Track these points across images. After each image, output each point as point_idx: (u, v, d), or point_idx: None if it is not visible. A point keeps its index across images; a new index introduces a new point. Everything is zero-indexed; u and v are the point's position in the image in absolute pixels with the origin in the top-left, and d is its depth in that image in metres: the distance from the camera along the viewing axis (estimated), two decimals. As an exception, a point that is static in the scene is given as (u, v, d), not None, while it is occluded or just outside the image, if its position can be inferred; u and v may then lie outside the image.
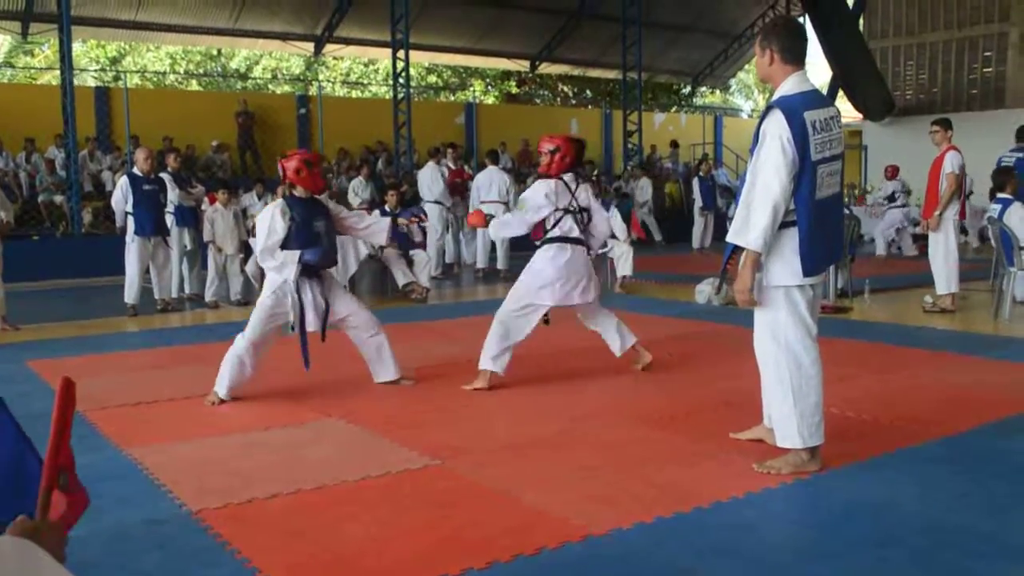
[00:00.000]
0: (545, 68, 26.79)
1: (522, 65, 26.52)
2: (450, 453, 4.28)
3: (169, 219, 10.41)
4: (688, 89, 32.42)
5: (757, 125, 3.81)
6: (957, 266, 8.81)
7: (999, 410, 4.93)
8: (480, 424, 4.92)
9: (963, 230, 12.18)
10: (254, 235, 9.78)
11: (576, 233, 5.73)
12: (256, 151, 19.43)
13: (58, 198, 15.74)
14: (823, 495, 3.64)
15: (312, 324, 5.54)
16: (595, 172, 19.91)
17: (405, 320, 8.89)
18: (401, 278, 10.62)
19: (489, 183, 13.18)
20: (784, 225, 3.71)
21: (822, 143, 3.70)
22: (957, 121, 9.51)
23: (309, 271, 5.50)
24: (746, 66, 30.96)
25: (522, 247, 14.41)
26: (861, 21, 22.16)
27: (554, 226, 5.68)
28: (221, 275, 10.51)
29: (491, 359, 5.65)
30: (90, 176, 16.80)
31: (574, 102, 33.37)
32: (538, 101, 33.17)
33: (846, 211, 9.96)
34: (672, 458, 4.15)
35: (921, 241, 13.99)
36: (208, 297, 10.38)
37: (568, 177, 5.76)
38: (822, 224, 3.75)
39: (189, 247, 11.00)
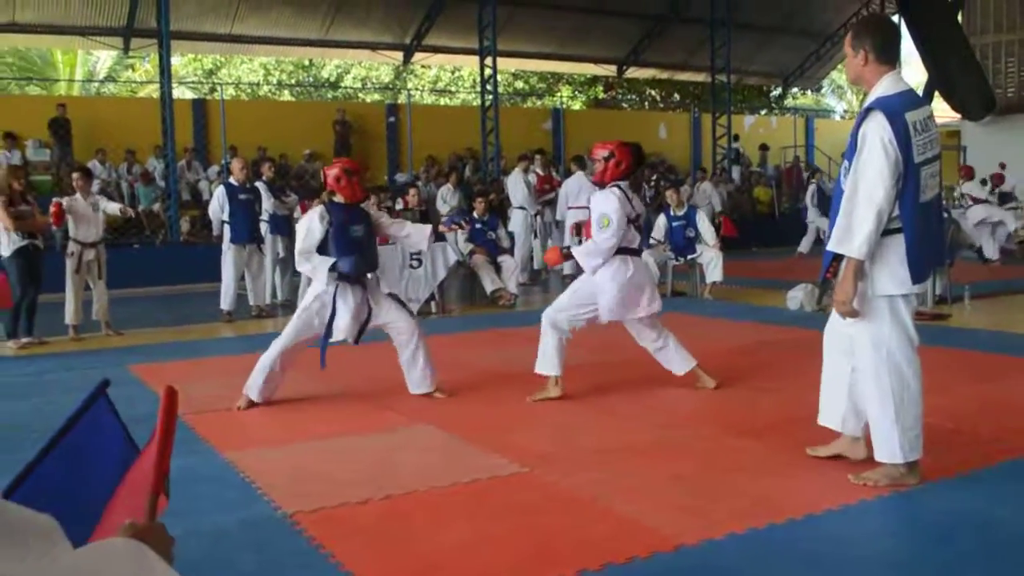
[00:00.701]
0: (632, 72, 26.63)
1: (609, 70, 26.40)
2: (538, 460, 4.29)
3: (263, 227, 10.65)
4: (779, 91, 31.90)
5: (854, 128, 3.68)
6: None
7: (1110, 421, 4.74)
8: (566, 431, 4.91)
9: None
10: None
11: (637, 243, 5.57)
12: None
13: (156, 206, 16.28)
14: (922, 509, 3.53)
15: (342, 332, 5.56)
16: (654, 176, 19.75)
17: (493, 326, 8.94)
18: (489, 284, 10.68)
19: (578, 189, 13.13)
20: (888, 232, 3.59)
21: (923, 144, 3.58)
22: (1063, 120, 9.16)
23: (350, 277, 5.54)
24: (839, 66, 30.28)
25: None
26: (959, 17, 21.51)
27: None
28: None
29: (556, 365, 5.55)
30: (188, 185, 17.30)
31: (662, 106, 33.12)
32: (625, 106, 33.02)
33: (944, 214, 9.69)
34: (764, 468, 4.08)
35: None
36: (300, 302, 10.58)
37: (624, 184, 5.58)
38: (927, 228, 3.67)
39: (282, 254, 11.21)
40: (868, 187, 3.52)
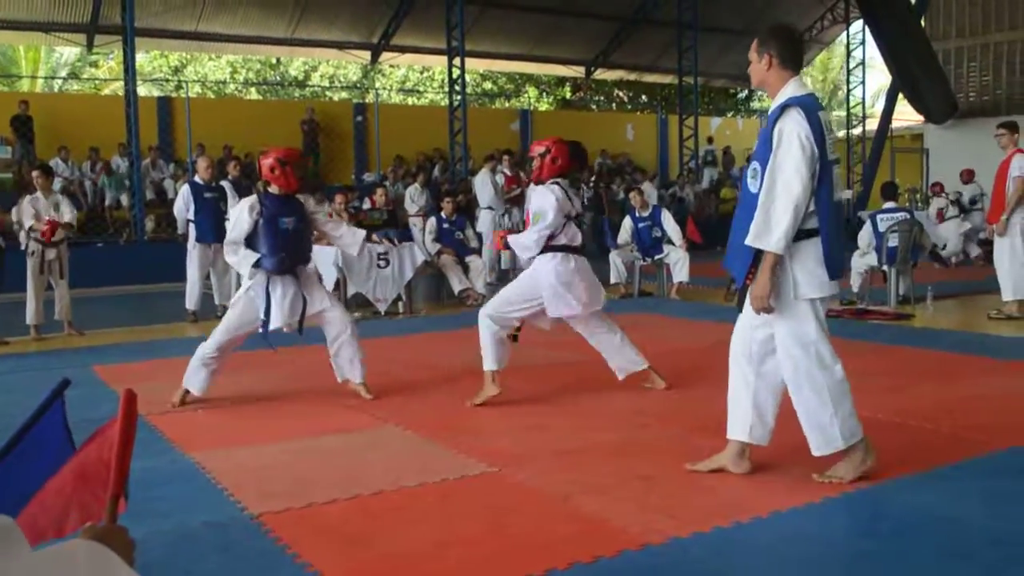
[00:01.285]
0: (600, 74, 26.75)
1: (577, 71, 26.50)
2: (507, 460, 4.29)
3: (228, 226, 10.56)
4: (745, 93, 32.12)
5: (767, 127, 3.69)
6: (1024, 272, 8.62)
7: (1068, 420, 4.81)
8: (535, 431, 4.91)
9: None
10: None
11: (579, 241, 5.53)
12: (318, 159, 19.70)
13: (124, 198, 16.09)
14: (886, 506, 3.56)
15: (278, 320, 5.56)
16: (592, 179, 19.78)
17: (460, 326, 8.92)
18: (456, 284, 10.68)
19: (544, 189, 13.20)
20: (805, 235, 3.63)
21: (831, 145, 3.65)
22: (1023, 123, 9.30)
23: (287, 269, 5.57)
24: (805, 69, 30.60)
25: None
26: (922, 22, 21.79)
27: (560, 233, 5.44)
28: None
29: (493, 359, 5.45)
30: (152, 184, 17.14)
31: (630, 107, 33.27)
32: (593, 107, 33.13)
33: (907, 215, 9.80)
34: (730, 467, 4.10)
35: (986, 246, 13.78)
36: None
37: (564, 182, 5.55)
38: (838, 227, 3.72)
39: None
40: (786, 182, 3.53)
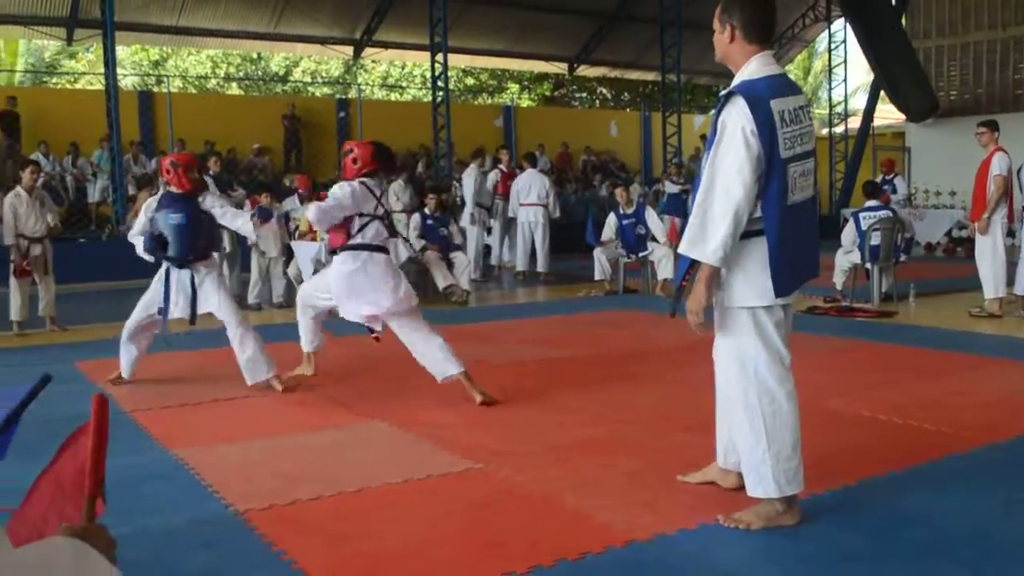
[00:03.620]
0: (583, 70, 26.72)
1: (560, 67, 26.48)
2: (492, 457, 4.29)
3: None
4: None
5: (715, 115, 3.25)
6: (1005, 270, 8.69)
7: (1049, 416, 4.85)
8: (521, 428, 4.91)
9: (1010, 233, 12.01)
10: (295, 237, 9.89)
11: (381, 240, 5.54)
12: (300, 154, 19.62)
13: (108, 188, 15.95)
14: (868, 502, 3.58)
15: (176, 311, 5.99)
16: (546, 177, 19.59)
17: (445, 322, 8.89)
18: (441, 280, 10.65)
19: (528, 186, 13.24)
20: (750, 234, 3.16)
21: (792, 137, 3.15)
22: (1003, 122, 9.37)
23: (178, 262, 5.96)
24: (787, 67, 30.70)
25: (563, 249, 14.41)
26: (903, 20, 21.88)
27: (358, 232, 5.45)
28: (264, 278, 10.59)
29: (307, 342, 5.91)
30: (134, 179, 17.01)
31: (612, 104, 33.28)
32: (576, 104, 33.12)
33: (889, 213, 9.84)
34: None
35: (966, 244, 13.88)
36: (250, 299, 10.45)
37: (371, 182, 5.57)
38: (795, 233, 3.21)
39: (228, 249, 11.05)
40: (726, 183, 3.09)
